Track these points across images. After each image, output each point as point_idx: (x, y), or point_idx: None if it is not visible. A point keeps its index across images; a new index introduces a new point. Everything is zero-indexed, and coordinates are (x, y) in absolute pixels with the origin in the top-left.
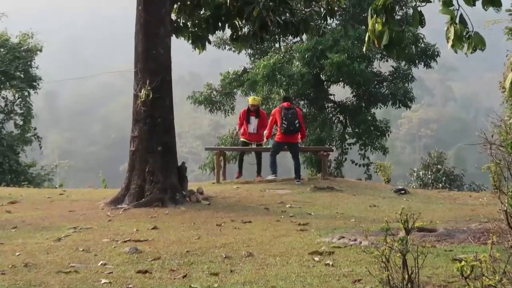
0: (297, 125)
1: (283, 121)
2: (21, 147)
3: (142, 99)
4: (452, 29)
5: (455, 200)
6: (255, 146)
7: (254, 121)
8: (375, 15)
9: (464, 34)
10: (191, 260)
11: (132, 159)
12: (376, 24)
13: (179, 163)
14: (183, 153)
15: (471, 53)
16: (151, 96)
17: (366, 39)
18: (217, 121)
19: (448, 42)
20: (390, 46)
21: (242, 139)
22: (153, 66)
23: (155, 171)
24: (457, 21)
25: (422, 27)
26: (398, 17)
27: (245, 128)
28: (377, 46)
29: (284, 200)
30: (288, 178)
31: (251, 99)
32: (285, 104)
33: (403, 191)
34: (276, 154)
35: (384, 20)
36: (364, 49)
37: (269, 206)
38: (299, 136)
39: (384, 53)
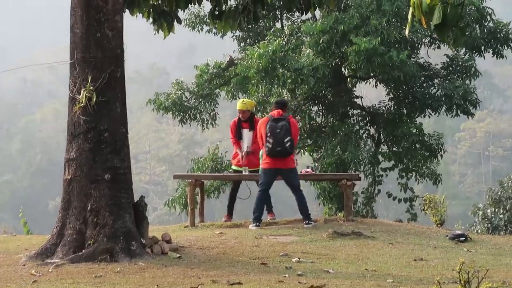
0: (288, 144)
1: (268, 138)
2: None
3: (82, 104)
4: None
5: None
6: (246, 173)
7: (247, 135)
8: None
9: None
10: None
11: (68, 192)
12: None
13: (136, 198)
14: (141, 183)
15: None
16: (94, 99)
17: (409, 16)
18: (191, 136)
19: None
20: (443, 26)
21: (233, 167)
22: (97, 56)
23: (100, 209)
24: None
25: None
26: None
27: (235, 147)
28: (424, 26)
29: (289, 252)
30: (294, 219)
31: (239, 104)
32: (274, 112)
33: (462, 238)
34: (266, 187)
35: None
36: (406, 32)
37: (268, 260)
38: (293, 158)
39: (435, 36)
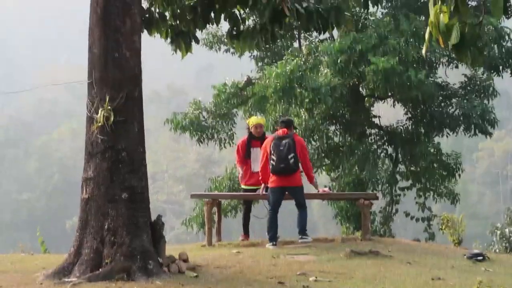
0: (292, 161)
1: (272, 156)
2: None
3: (100, 124)
4: None
5: None
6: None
7: (258, 154)
8: (439, 2)
9: None
10: None
11: (85, 211)
12: (441, 15)
13: (153, 217)
14: (159, 202)
15: None
16: (112, 119)
17: (427, 36)
18: (208, 155)
19: None
20: (461, 46)
21: (243, 186)
22: (115, 76)
23: (117, 228)
24: None
25: (508, 18)
26: (473, 4)
27: (247, 168)
28: (442, 46)
29: (306, 271)
30: (312, 238)
31: (252, 120)
32: (279, 131)
33: (481, 257)
34: (275, 207)
35: (452, 8)
36: (423, 51)
37: (285, 280)
38: (300, 176)
39: (453, 56)
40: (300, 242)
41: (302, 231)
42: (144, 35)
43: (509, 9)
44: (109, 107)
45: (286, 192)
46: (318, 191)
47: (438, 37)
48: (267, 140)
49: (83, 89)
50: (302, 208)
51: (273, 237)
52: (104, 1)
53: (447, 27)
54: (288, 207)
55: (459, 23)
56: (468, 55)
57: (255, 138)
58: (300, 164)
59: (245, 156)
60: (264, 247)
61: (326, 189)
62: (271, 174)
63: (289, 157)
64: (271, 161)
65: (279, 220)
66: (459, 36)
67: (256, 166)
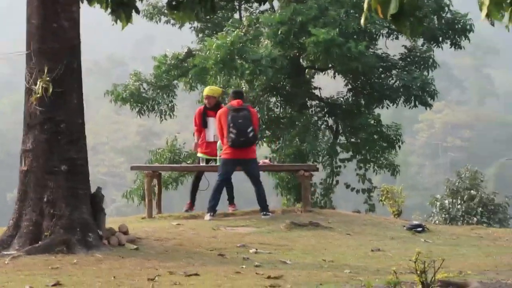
0: (251, 134)
1: (230, 129)
2: None
3: (38, 95)
4: None
5: (495, 241)
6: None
7: (213, 123)
8: None
9: None
10: None
11: (24, 184)
12: None
13: (93, 189)
14: (99, 174)
15: None
16: (51, 90)
17: (365, 6)
18: (149, 127)
19: (481, 9)
20: (400, 16)
21: (199, 154)
22: (53, 47)
23: (57, 201)
24: None
25: None
26: None
27: (203, 137)
28: (381, 16)
29: (247, 243)
30: (252, 210)
31: (207, 90)
32: (234, 102)
33: (420, 229)
34: (225, 177)
35: None
36: (361, 22)
37: (225, 252)
38: (255, 149)
39: (393, 27)
40: (263, 218)
41: (264, 208)
42: (84, 5)
43: None
44: (48, 78)
45: (238, 166)
46: (259, 163)
47: (376, 7)
48: (221, 112)
49: (23, 62)
50: (257, 182)
51: (213, 207)
52: None
53: None
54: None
55: None
56: (407, 25)
57: (209, 109)
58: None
59: (202, 125)
60: (204, 219)
61: (267, 160)
62: (227, 147)
63: (249, 130)
64: (231, 134)
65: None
66: (398, 6)
67: (211, 135)
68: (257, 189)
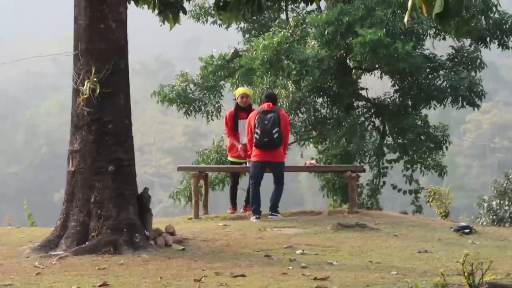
0: (276, 135)
1: (256, 130)
2: None
3: (85, 96)
4: None
5: None
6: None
7: (246, 126)
8: None
9: None
10: None
11: (71, 184)
12: None
13: (140, 190)
14: (146, 175)
15: None
16: (98, 91)
17: (409, 4)
18: (196, 128)
19: None
20: (445, 15)
21: (230, 158)
22: (101, 47)
23: (104, 201)
24: None
25: None
26: None
27: (231, 139)
28: (425, 15)
29: (293, 244)
30: (299, 211)
31: (239, 90)
32: (264, 105)
33: (467, 230)
34: (257, 181)
35: None
36: (405, 20)
37: (272, 253)
38: (282, 151)
39: (440, 27)
40: (269, 218)
41: (274, 207)
42: (132, 6)
43: None
44: (95, 79)
45: (267, 167)
46: (305, 164)
47: (421, 6)
48: (252, 114)
49: (70, 62)
50: (280, 183)
51: (256, 210)
52: None
53: None
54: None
55: None
56: (452, 24)
57: (242, 110)
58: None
59: (233, 129)
60: (251, 220)
61: (313, 161)
62: (254, 148)
63: (274, 131)
64: (255, 135)
65: (264, 194)
66: (443, 5)
67: (243, 138)
68: (276, 188)
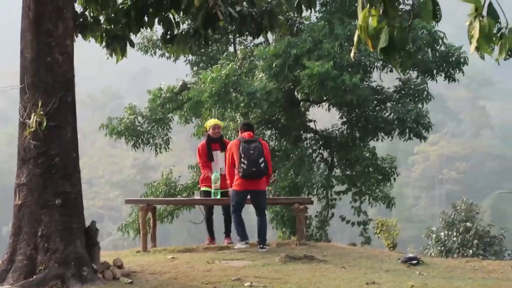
0: (263, 165)
1: (242, 160)
2: None
3: (32, 129)
4: (476, 25)
5: (490, 274)
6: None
7: (219, 156)
8: (367, 4)
9: (495, 31)
10: None
11: (18, 218)
12: (370, 18)
13: (88, 223)
14: (95, 207)
15: (505, 59)
16: (45, 124)
17: (355, 39)
18: (144, 160)
19: (471, 43)
20: (390, 49)
21: (202, 188)
22: (47, 81)
23: (51, 235)
24: (484, 12)
25: (437, 22)
26: (406, 8)
27: (207, 170)
28: (371, 49)
29: (241, 276)
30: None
31: (210, 121)
32: (245, 134)
33: (415, 261)
34: (239, 209)
35: (381, 11)
36: (351, 54)
37: (220, 285)
38: (265, 181)
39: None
40: (260, 251)
41: (263, 240)
42: (79, 39)
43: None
44: (42, 112)
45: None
46: None
47: (367, 40)
48: (232, 143)
49: (17, 95)
50: (263, 215)
51: (244, 235)
52: (36, 5)
53: (376, 30)
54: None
55: (388, 26)
56: (396, 59)
57: (213, 141)
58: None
59: (207, 160)
60: (200, 252)
61: None
62: (237, 177)
63: (260, 161)
64: (242, 165)
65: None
66: (387, 40)
67: (217, 168)
68: (260, 221)
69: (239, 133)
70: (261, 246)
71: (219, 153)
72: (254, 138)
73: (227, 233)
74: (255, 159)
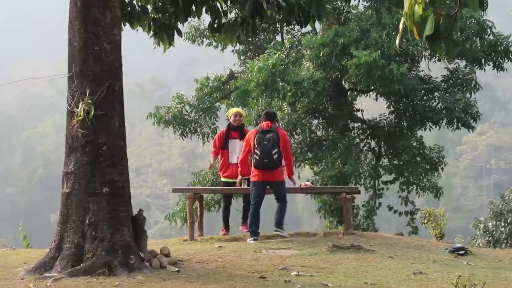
0: (276, 156)
1: (256, 150)
2: None
3: (80, 118)
4: None
5: None
6: (245, 186)
7: (237, 146)
8: None
9: None
10: None
11: (66, 206)
12: (416, 6)
13: (135, 211)
14: (143, 196)
15: None
16: (92, 113)
17: (401, 27)
18: (192, 149)
19: None
20: (435, 37)
21: (223, 179)
22: (95, 69)
23: (99, 223)
24: None
25: (484, 10)
26: None
27: (225, 159)
28: (416, 37)
29: (288, 265)
30: (294, 232)
31: (232, 110)
32: (263, 124)
33: (462, 252)
34: (258, 200)
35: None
36: (396, 43)
37: (267, 274)
38: (285, 171)
39: None
40: (274, 234)
41: (279, 224)
42: (127, 28)
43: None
44: (90, 101)
45: (268, 186)
46: (300, 186)
47: (412, 28)
48: (250, 132)
49: (65, 84)
50: (283, 202)
51: (254, 231)
52: None
53: (422, 18)
54: (269, 202)
55: (434, 14)
56: (442, 46)
57: (234, 129)
58: (282, 159)
59: (222, 147)
60: (246, 241)
61: (308, 183)
62: (253, 168)
63: (273, 152)
64: (255, 156)
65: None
66: (433, 28)
67: (234, 157)
68: (279, 206)
69: (261, 121)
70: (276, 229)
71: (237, 142)
72: (272, 128)
73: (245, 220)
74: (269, 150)
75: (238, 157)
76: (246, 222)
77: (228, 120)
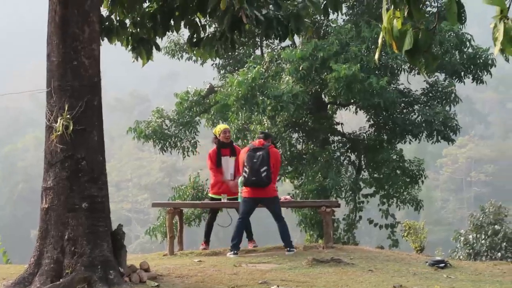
0: (264, 174)
1: (245, 168)
2: None
3: (59, 133)
4: (501, 27)
5: None
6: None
7: (229, 162)
8: (392, 7)
9: None
10: None
11: (45, 221)
12: (395, 20)
13: (115, 226)
14: (123, 210)
15: None
16: (71, 128)
17: (380, 41)
18: (172, 164)
19: (495, 45)
20: (414, 51)
21: (210, 194)
22: (74, 84)
23: (78, 238)
24: (509, 15)
25: (462, 24)
26: (433, 10)
27: (219, 177)
28: (396, 51)
29: (268, 279)
30: (274, 246)
31: (220, 127)
32: (256, 142)
33: (442, 264)
34: (245, 216)
35: (406, 13)
36: (376, 56)
37: None
38: (273, 187)
39: None
40: (287, 254)
41: (288, 244)
42: (106, 43)
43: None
44: (68, 116)
45: (259, 204)
46: (280, 199)
47: (391, 43)
48: (243, 150)
49: (44, 99)
50: (279, 219)
51: (236, 245)
52: (62, 9)
53: (400, 32)
54: (258, 214)
55: (413, 28)
56: (421, 61)
57: (224, 146)
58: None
59: (216, 165)
60: (226, 256)
61: (288, 197)
62: (243, 186)
63: (262, 170)
64: (243, 173)
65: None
66: (412, 42)
67: (228, 174)
68: (279, 226)
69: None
70: (288, 249)
71: (228, 159)
72: (264, 146)
73: (250, 237)
74: (257, 168)
75: (231, 174)
76: (252, 238)
77: (216, 137)
